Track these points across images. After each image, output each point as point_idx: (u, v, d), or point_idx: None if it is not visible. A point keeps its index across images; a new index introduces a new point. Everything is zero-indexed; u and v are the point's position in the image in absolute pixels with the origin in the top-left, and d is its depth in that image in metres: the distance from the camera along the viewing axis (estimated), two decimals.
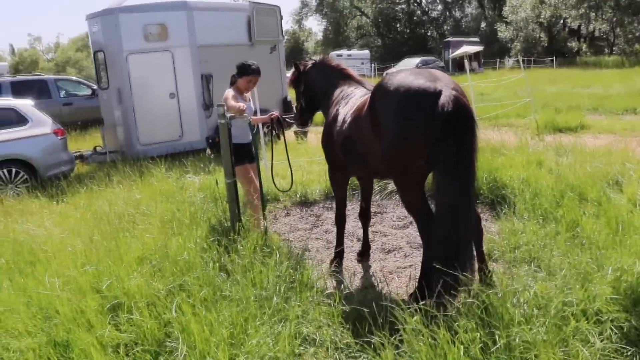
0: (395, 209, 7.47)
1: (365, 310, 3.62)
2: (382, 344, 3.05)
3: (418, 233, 6.49)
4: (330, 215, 7.35)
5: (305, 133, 13.58)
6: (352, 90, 5.10)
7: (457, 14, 67.00)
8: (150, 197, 6.90)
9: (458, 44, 45.23)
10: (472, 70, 44.81)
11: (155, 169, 8.51)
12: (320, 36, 74.55)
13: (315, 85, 5.68)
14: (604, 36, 54.19)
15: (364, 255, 5.72)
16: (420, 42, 63.60)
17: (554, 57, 45.06)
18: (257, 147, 5.43)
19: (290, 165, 6.15)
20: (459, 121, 3.69)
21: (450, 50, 44.44)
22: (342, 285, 4.99)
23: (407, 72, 4.05)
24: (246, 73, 5.62)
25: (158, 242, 4.65)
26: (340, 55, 48.38)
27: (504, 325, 2.95)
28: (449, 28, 65.23)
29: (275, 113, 5.81)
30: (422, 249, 6.02)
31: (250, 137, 5.96)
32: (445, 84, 3.82)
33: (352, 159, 4.70)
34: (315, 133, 13.94)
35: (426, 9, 67.32)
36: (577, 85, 25.03)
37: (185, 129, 11.29)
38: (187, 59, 11.12)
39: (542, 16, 49.22)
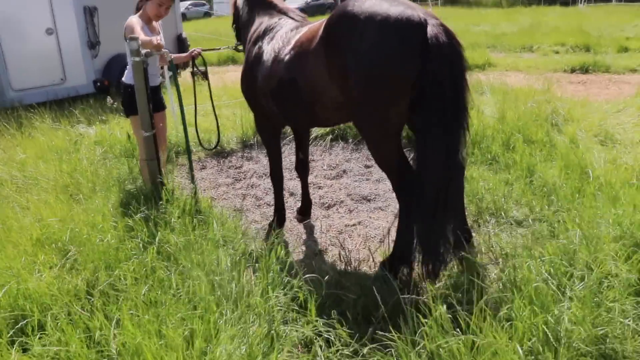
0: (323, 156, 6.80)
1: (351, 296, 2.94)
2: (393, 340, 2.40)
3: (356, 183, 5.99)
4: (253, 167, 6.54)
5: (205, 73, 12.32)
6: (275, 22, 4.23)
7: None
8: (38, 156, 5.67)
9: None
10: None
11: (38, 119, 7.14)
12: None
13: (240, 16, 4.78)
14: None
15: (304, 213, 5.02)
16: None
17: None
18: (179, 90, 4.43)
19: (216, 117, 5.22)
20: (453, 58, 3.04)
21: None
22: (292, 255, 4.29)
23: None
24: None
25: (62, 217, 3.63)
26: None
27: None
28: None
29: (197, 50, 4.80)
30: (366, 202, 5.49)
31: (160, 79, 4.93)
32: (425, 13, 3.13)
33: (291, 108, 3.85)
34: (213, 73, 12.75)
35: None
36: (468, 23, 25.32)
37: (68, 71, 9.66)
38: None
39: None
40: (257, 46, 4.15)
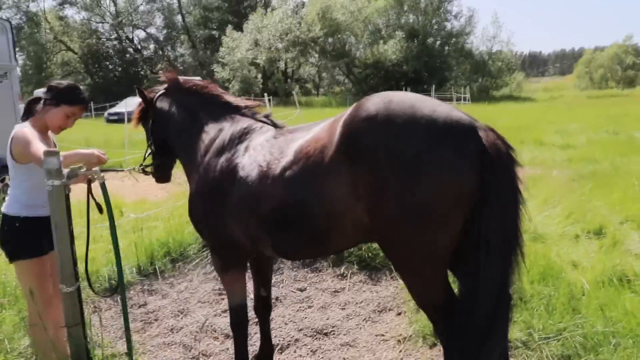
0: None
1: None
2: None
3: (300, 314, 4.84)
4: (161, 303, 5.21)
5: (99, 206, 10.44)
6: (243, 127, 3.36)
7: (170, 53, 66.05)
8: None
9: None
10: None
11: None
12: (18, 71, 65.53)
13: (170, 122, 3.77)
14: (312, 78, 59.33)
15: None
16: (134, 81, 60.55)
17: (270, 97, 47.06)
18: (113, 223, 3.19)
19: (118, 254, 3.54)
20: (514, 169, 2.50)
21: None
22: None
23: (408, 97, 2.57)
24: (70, 101, 3.35)
25: None
26: None
27: None
28: (163, 67, 63.82)
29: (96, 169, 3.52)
30: (325, 337, 4.47)
31: None
32: (467, 114, 2.55)
33: (293, 237, 2.90)
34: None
35: (139, 47, 64.70)
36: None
37: None
38: None
39: (258, 58, 51.45)
40: (222, 159, 3.20)
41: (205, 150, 3.37)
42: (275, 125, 3.35)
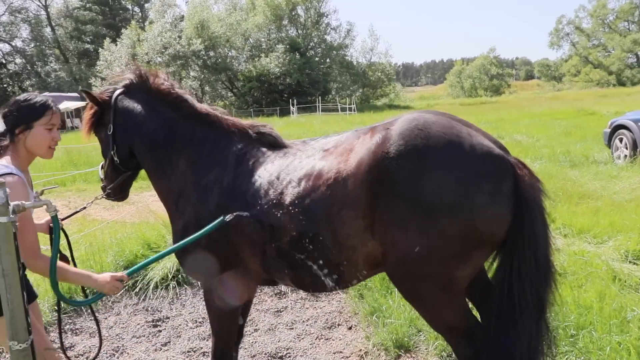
0: (176, 308, 5.31)
1: None
2: None
3: (247, 338, 4.58)
4: (91, 343, 4.70)
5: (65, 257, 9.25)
6: (239, 148, 3.03)
7: (41, 69, 61.64)
8: None
9: (57, 99, 41.38)
10: (76, 127, 41.49)
11: None
12: None
13: (141, 128, 3.24)
14: (194, 92, 58.15)
15: None
16: (0, 98, 56.03)
17: None
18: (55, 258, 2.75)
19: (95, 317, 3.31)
20: (543, 206, 2.49)
21: None
22: None
23: (439, 125, 2.46)
24: (39, 114, 2.76)
25: None
26: None
27: None
28: (33, 83, 59.47)
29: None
30: (281, 359, 4.28)
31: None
32: (497, 144, 2.55)
33: (307, 272, 2.74)
34: None
35: (3, 61, 59.73)
36: None
37: None
38: None
39: None
40: (223, 183, 2.92)
41: (198, 172, 3.03)
42: (274, 145, 3.04)
